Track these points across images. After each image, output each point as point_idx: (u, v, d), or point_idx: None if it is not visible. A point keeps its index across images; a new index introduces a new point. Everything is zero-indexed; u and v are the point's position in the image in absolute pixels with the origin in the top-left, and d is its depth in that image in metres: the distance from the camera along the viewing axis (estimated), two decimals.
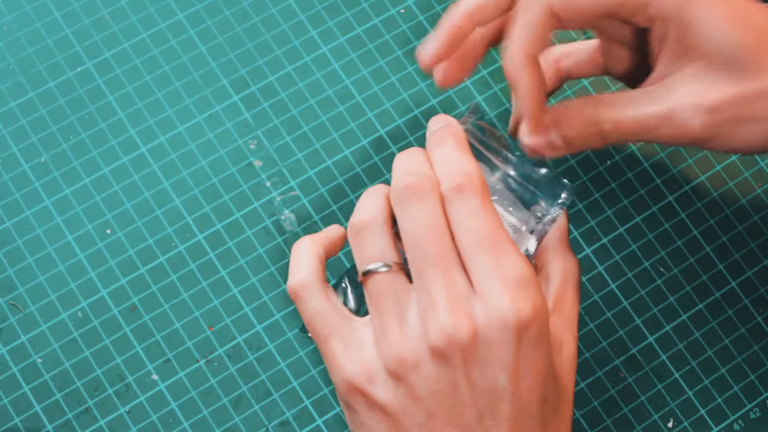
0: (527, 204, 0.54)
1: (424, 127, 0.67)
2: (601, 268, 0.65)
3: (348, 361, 0.49)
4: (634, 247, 0.65)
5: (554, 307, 0.52)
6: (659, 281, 0.64)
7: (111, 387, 0.61)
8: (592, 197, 0.66)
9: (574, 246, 0.65)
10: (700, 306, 0.64)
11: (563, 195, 0.54)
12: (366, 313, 0.51)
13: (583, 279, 0.64)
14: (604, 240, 0.65)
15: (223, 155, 0.66)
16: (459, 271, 0.48)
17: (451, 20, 0.56)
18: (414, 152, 0.51)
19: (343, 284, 0.53)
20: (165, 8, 0.69)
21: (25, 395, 0.61)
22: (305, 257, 0.53)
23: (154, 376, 0.61)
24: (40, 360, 0.61)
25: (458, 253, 0.49)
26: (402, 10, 0.69)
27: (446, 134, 0.52)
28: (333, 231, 0.54)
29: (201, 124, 0.66)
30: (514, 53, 0.54)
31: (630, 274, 0.64)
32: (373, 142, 0.66)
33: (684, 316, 0.64)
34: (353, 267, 0.53)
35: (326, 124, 0.67)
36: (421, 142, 0.66)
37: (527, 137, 0.54)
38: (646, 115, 0.54)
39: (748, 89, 0.53)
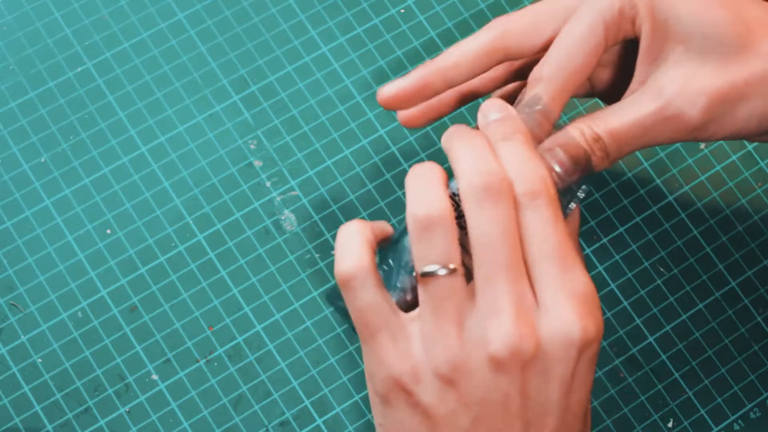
0: (566, 201, 0.53)
1: (424, 127, 0.67)
2: (601, 268, 0.65)
3: (396, 358, 0.48)
4: (634, 247, 0.65)
5: None
6: (659, 281, 0.64)
7: (111, 387, 0.61)
8: (592, 197, 0.66)
9: None
10: (700, 306, 0.64)
11: (580, 190, 0.53)
12: (403, 306, 0.50)
13: None
14: (604, 240, 0.65)
15: (223, 155, 0.66)
16: (526, 280, 0.47)
17: (421, 73, 0.55)
18: (479, 143, 0.49)
19: (384, 269, 0.52)
20: (165, 8, 0.69)
21: (25, 395, 0.61)
22: (357, 242, 0.50)
23: (154, 376, 0.61)
24: (40, 360, 0.61)
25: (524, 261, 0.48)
26: (402, 10, 0.69)
27: (512, 130, 0.50)
28: (382, 224, 0.52)
29: (201, 124, 0.66)
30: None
31: (630, 274, 0.65)
32: (373, 142, 0.66)
33: (684, 316, 0.64)
34: (396, 253, 0.52)
35: (326, 124, 0.67)
36: (422, 143, 0.66)
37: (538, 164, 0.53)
38: (641, 115, 0.52)
39: (736, 72, 0.52)
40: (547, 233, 0.47)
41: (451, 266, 0.48)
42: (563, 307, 0.47)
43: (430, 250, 0.48)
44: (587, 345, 0.47)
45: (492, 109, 0.51)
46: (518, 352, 0.46)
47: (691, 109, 0.52)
